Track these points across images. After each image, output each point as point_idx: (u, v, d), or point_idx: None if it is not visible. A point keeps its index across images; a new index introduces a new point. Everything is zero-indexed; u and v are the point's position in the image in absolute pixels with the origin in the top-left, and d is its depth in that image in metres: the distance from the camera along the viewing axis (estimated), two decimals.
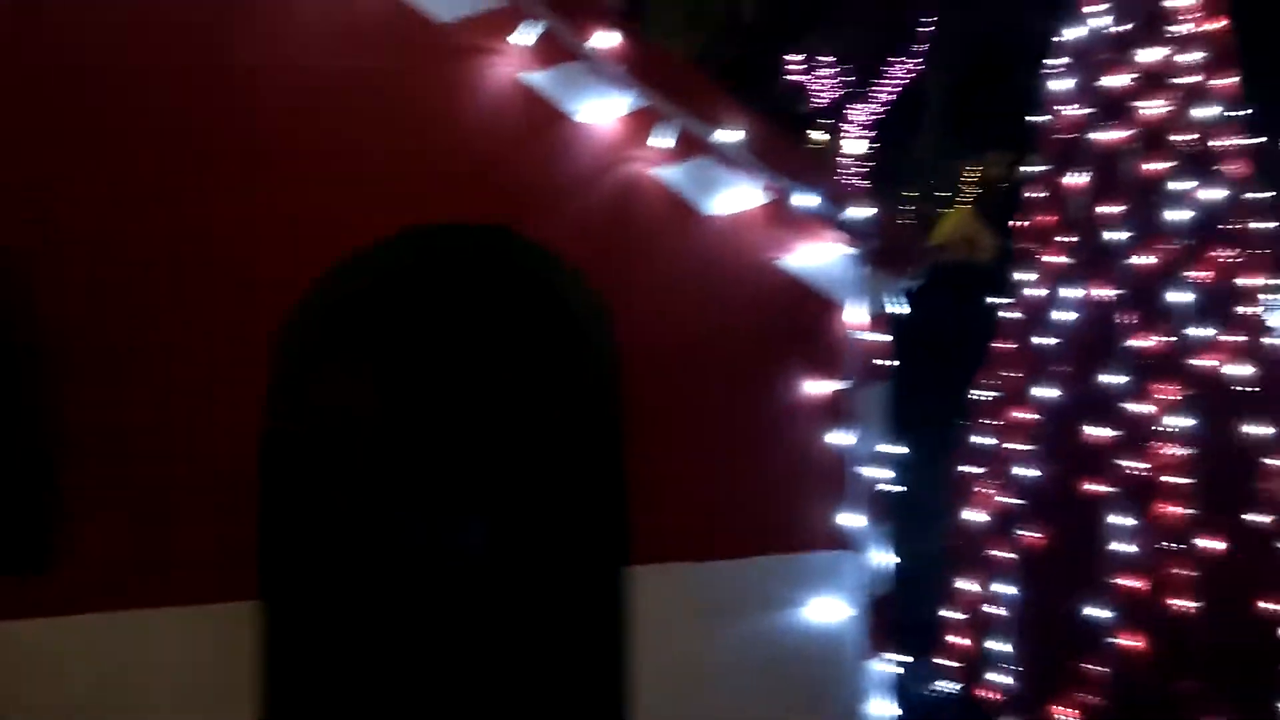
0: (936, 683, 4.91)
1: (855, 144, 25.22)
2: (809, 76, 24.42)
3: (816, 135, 28.43)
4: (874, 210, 2.98)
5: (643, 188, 2.96)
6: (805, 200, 2.97)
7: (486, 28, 2.81)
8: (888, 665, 3.27)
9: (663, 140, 2.87)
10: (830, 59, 23.81)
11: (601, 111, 2.89)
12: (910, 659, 4.87)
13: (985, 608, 4.64)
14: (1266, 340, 4.35)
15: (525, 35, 2.76)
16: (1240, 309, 4.28)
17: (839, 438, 3.10)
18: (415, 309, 2.90)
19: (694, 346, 3.04)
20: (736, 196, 3.01)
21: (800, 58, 23.15)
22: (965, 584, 4.83)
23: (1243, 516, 4.15)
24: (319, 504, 2.82)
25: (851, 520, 3.12)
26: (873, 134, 25.03)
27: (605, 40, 2.77)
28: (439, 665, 2.96)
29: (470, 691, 2.97)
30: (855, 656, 3.17)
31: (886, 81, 24.71)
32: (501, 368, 2.98)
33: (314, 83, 2.76)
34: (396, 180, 2.82)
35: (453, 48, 2.81)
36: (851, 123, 25.21)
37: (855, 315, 3.09)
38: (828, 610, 3.14)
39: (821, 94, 24.86)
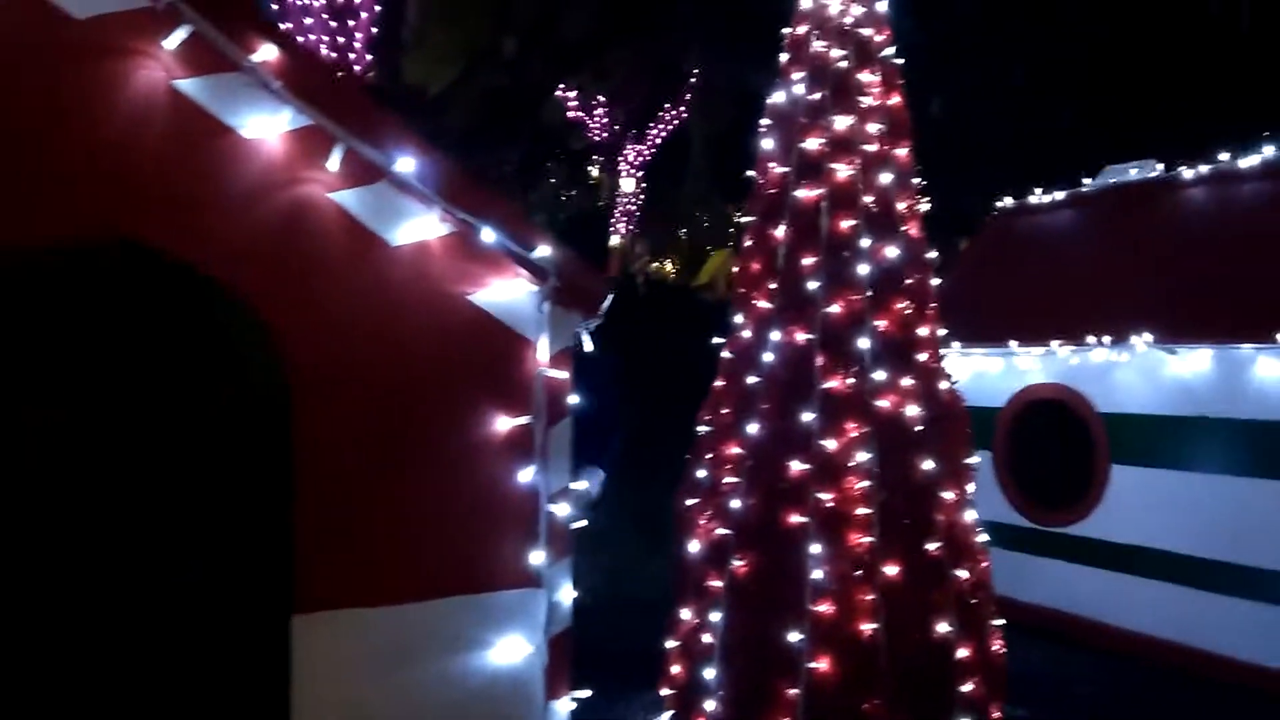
0: (655, 713, 5.02)
1: (627, 182, 26.04)
2: (584, 114, 25.02)
3: (592, 170, 29.06)
4: (556, 249, 3.02)
5: (316, 211, 2.81)
6: (489, 235, 2.95)
7: (131, 27, 2.56)
8: (573, 703, 3.28)
9: (334, 163, 2.76)
10: (603, 98, 24.54)
11: (267, 128, 2.72)
12: (619, 691, 4.99)
13: (700, 636, 4.79)
14: (939, 384, 4.82)
15: (176, 39, 2.56)
16: (915, 355, 4.71)
17: (527, 474, 3.09)
18: (40, 332, 2.62)
19: (373, 380, 2.92)
20: (420, 227, 2.94)
21: (574, 94, 23.68)
22: (684, 613, 4.98)
23: (920, 544, 4.54)
24: None
25: (539, 557, 3.11)
26: (643, 174, 25.97)
27: (264, 52, 2.63)
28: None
29: None
30: (541, 695, 3.16)
31: (658, 125, 25.78)
32: (152, 399, 2.75)
33: None
34: (18, 187, 2.50)
35: (90, 46, 2.54)
36: (626, 161, 26.04)
37: (544, 351, 3.11)
38: (515, 650, 3.10)
39: (597, 133, 25.54)
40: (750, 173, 5.15)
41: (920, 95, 5.28)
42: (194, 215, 2.69)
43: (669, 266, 31.82)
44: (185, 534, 2.83)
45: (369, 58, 16.11)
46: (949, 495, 4.69)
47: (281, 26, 16.35)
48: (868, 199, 4.74)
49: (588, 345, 3.22)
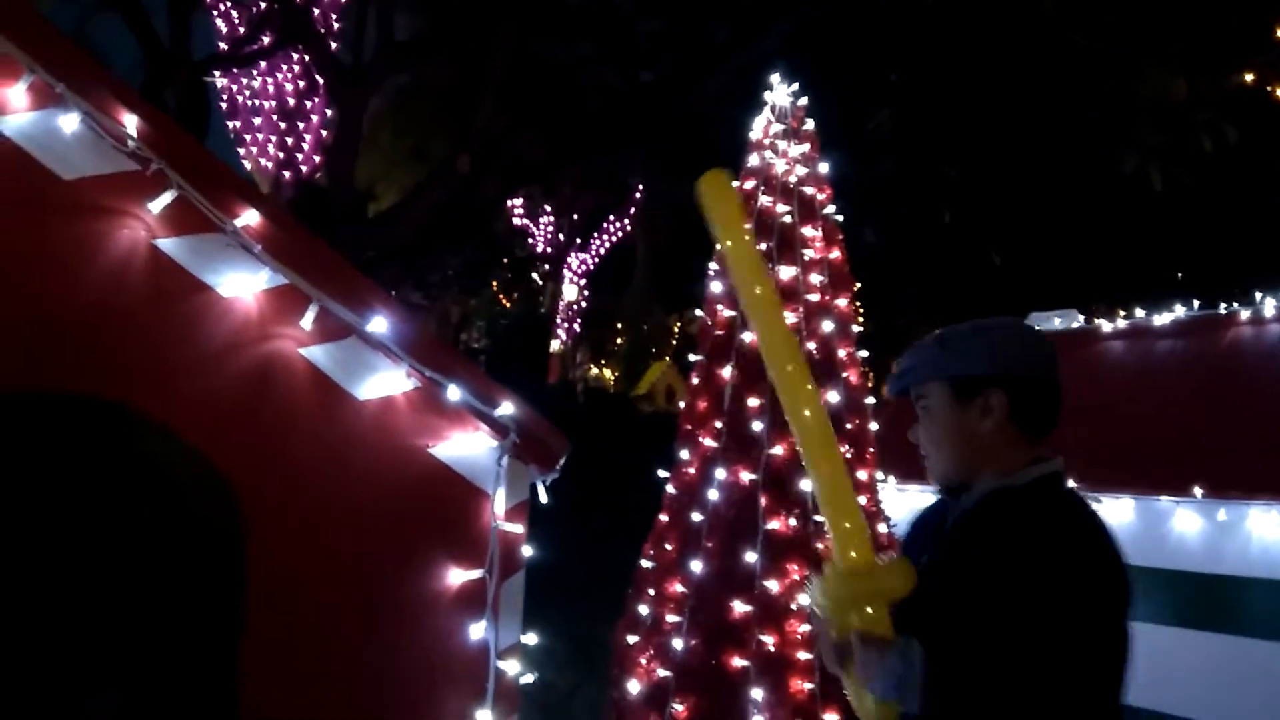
0: None
1: (570, 289, 26.42)
2: (531, 222, 25.51)
3: (536, 277, 29.43)
4: (518, 405, 3.10)
5: (285, 367, 2.87)
6: (454, 392, 3.03)
7: (116, 189, 2.66)
8: None
9: (307, 321, 2.83)
10: (550, 209, 25.10)
11: (243, 286, 2.80)
12: None
13: None
14: (878, 527, 4.95)
15: (161, 202, 2.66)
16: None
17: (477, 629, 3.08)
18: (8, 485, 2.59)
19: (332, 536, 2.92)
20: (386, 382, 3.01)
21: (521, 202, 24.19)
22: None
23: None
24: None
25: (485, 718, 3.08)
26: (586, 281, 26.40)
27: (247, 217, 2.73)
28: None
29: None
30: None
31: (602, 234, 26.39)
32: (114, 554, 2.71)
33: None
34: None
35: (75, 205, 2.63)
36: (569, 269, 26.48)
37: (500, 505, 3.15)
38: None
39: (543, 240, 26.01)
40: (695, 298, 5.36)
41: (854, 226, 5.56)
42: (163, 367, 2.73)
43: (608, 374, 32.09)
44: (123, 686, 2.75)
45: (316, 159, 16.37)
46: None
47: (230, 125, 16.56)
48: (810, 345, 4.95)
49: (544, 499, 3.27)
